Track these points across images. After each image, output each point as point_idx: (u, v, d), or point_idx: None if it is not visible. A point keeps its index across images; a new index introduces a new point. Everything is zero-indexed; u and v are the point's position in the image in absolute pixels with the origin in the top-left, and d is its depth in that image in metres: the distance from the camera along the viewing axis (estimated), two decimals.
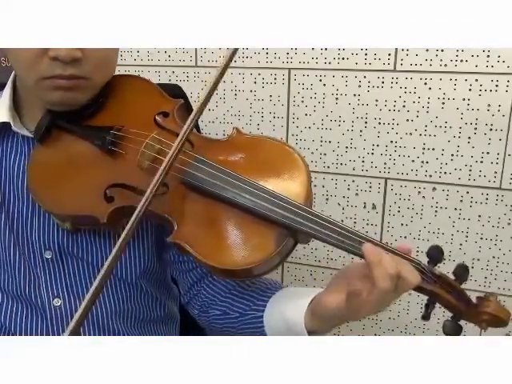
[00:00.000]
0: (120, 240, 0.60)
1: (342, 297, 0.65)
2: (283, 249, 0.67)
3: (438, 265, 0.70)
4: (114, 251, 0.59)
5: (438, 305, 0.69)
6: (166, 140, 0.73)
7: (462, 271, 0.70)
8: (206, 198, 0.70)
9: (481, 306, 0.68)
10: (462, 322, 0.69)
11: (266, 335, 0.75)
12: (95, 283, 0.58)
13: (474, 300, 0.70)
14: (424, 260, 0.69)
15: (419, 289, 0.67)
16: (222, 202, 0.69)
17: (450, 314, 0.70)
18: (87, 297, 0.57)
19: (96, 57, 0.72)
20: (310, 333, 0.70)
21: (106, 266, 0.58)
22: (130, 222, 0.61)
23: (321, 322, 0.69)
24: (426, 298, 0.69)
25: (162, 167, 0.63)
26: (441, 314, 0.70)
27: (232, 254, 0.67)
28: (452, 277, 0.70)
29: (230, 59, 0.67)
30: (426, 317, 0.69)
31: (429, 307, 0.69)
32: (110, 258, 0.59)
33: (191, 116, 0.67)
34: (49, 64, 0.70)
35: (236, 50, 0.67)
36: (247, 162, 0.73)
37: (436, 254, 0.69)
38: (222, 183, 0.69)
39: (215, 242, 0.69)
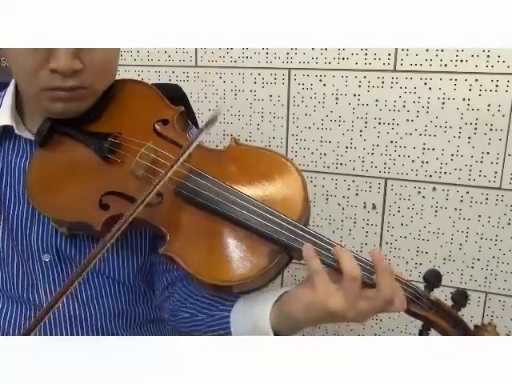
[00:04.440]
0: (101, 245, 0.59)
1: (312, 291, 0.63)
2: (276, 265, 0.66)
3: (435, 290, 0.68)
4: (92, 254, 0.59)
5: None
6: (163, 150, 0.72)
7: (461, 298, 0.68)
8: (201, 210, 0.69)
9: (477, 336, 0.67)
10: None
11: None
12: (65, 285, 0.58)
13: (471, 327, 0.68)
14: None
15: (413, 314, 0.66)
16: (216, 215, 0.68)
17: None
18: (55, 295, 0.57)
19: (96, 65, 0.71)
20: (276, 333, 0.67)
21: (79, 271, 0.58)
22: (115, 229, 0.60)
23: (287, 318, 0.66)
24: None
25: (154, 183, 0.63)
26: None
27: (223, 270, 0.66)
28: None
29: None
30: None
31: (423, 333, 0.67)
32: (83, 264, 0.59)
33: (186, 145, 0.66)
34: (49, 76, 0.69)
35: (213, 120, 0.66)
36: (243, 174, 0.72)
37: (433, 279, 0.68)
38: (216, 196, 0.68)
39: (206, 257, 0.68)
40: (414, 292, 0.66)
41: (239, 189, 0.69)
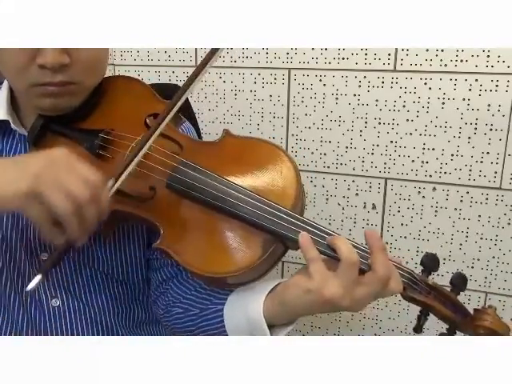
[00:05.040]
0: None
1: (308, 278, 0.62)
2: (270, 256, 0.66)
3: (433, 273, 0.67)
4: None
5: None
6: (154, 144, 0.72)
7: (460, 281, 0.67)
8: (194, 203, 0.69)
9: (478, 320, 0.66)
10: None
11: (225, 331, 0.72)
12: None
13: (471, 311, 0.67)
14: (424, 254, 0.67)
15: (411, 299, 0.66)
16: (209, 207, 0.68)
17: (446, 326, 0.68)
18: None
19: (84, 61, 0.71)
20: (270, 324, 0.66)
21: None
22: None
23: (282, 306, 0.65)
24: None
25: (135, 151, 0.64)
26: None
27: (217, 262, 0.66)
28: (449, 287, 0.68)
29: (208, 60, 0.67)
30: (417, 329, 0.66)
31: (421, 319, 0.66)
32: None
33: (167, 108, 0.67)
34: (37, 72, 0.69)
35: (216, 49, 0.66)
36: (236, 165, 0.71)
37: (430, 263, 0.67)
38: (208, 188, 0.68)
39: (200, 249, 0.68)
40: (410, 276, 0.65)
41: (232, 179, 0.69)
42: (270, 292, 0.68)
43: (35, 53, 0.68)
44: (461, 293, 0.68)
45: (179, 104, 0.69)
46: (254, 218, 0.65)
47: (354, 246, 0.63)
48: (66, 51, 0.69)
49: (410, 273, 0.66)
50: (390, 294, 0.63)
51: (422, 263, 0.68)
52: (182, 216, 0.70)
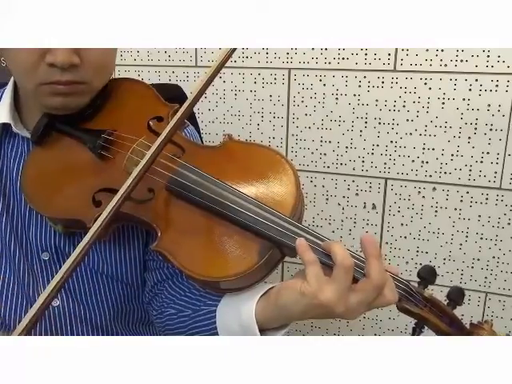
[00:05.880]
0: (87, 237, 0.61)
1: (303, 281, 0.61)
2: (266, 262, 0.66)
3: (430, 287, 0.67)
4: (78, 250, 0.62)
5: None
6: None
7: (457, 295, 0.67)
8: (193, 206, 0.69)
9: (473, 334, 0.65)
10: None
11: (216, 333, 0.71)
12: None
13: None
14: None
15: (406, 311, 0.65)
16: (208, 211, 0.68)
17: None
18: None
19: (94, 61, 0.72)
20: (261, 327, 0.66)
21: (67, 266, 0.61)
22: (100, 220, 0.62)
23: (275, 308, 0.64)
24: None
25: (138, 168, 0.63)
26: None
27: (213, 265, 0.66)
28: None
29: (226, 59, 0.67)
30: None
31: (416, 331, 0.66)
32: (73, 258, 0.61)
33: (176, 116, 0.67)
34: (46, 70, 0.70)
35: (234, 49, 0.66)
36: (236, 170, 0.72)
37: (427, 275, 0.67)
38: (208, 192, 0.68)
39: (197, 252, 0.68)
40: (406, 287, 0.65)
41: (232, 184, 0.69)
42: (263, 294, 0.67)
43: (45, 51, 0.69)
44: (457, 307, 0.67)
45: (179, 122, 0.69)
46: (251, 223, 0.65)
47: (351, 255, 0.63)
48: (76, 51, 0.70)
49: (406, 284, 0.65)
50: (385, 303, 0.62)
51: (418, 275, 0.67)
52: (180, 219, 0.70)
